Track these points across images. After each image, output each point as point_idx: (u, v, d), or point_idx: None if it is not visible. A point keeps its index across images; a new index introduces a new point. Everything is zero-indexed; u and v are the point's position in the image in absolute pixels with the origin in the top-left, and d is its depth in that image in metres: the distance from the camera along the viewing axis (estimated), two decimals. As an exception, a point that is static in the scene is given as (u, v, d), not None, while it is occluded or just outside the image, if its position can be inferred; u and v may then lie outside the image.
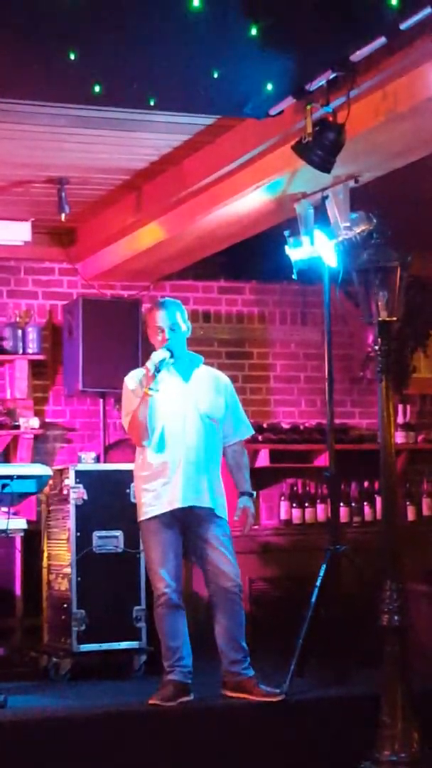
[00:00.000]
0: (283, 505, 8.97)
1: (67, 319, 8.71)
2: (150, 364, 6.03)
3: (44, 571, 7.25)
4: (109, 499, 7.05)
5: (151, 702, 5.87)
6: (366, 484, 8.97)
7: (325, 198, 6.75)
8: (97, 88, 5.29)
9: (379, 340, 5.67)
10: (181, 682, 5.96)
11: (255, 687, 5.97)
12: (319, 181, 6.50)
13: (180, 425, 6.06)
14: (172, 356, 6.07)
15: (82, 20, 5.01)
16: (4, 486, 6.48)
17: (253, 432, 6.54)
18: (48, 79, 5.33)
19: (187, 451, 6.04)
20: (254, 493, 6.34)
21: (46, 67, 5.22)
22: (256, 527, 6.43)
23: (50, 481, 7.00)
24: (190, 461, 6.03)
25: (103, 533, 6.99)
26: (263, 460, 8.83)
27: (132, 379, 6.22)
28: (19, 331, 8.63)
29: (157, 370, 6.01)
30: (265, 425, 8.91)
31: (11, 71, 5.24)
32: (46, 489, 7.11)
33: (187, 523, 6.08)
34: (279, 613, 6.28)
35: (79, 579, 6.89)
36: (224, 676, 6.06)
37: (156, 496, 6.04)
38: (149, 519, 6.07)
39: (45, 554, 7.27)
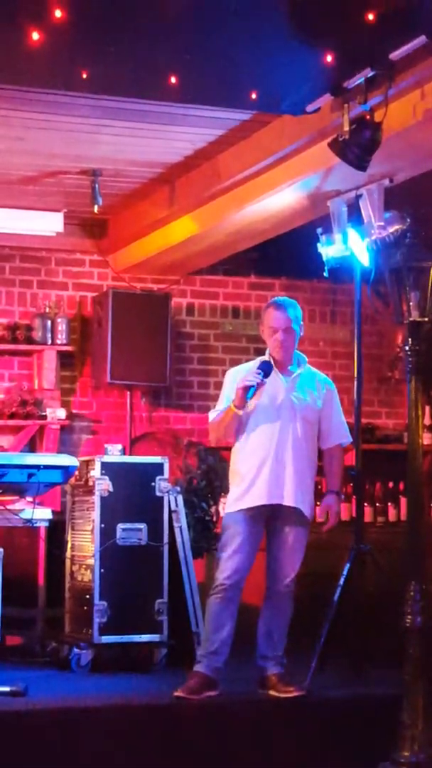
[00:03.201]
0: (308, 503, 8.96)
1: (96, 311, 8.73)
2: (241, 384, 5.96)
3: (67, 562, 7.26)
4: (134, 491, 7.05)
5: (176, 694, 5.88)
6: (390, 484, 8.94)
7: (359, 196, 6.75)
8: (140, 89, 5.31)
9: (410, 340, 5.65)
10: (207, 675, 5.97)
11: (277, 683, 6.00)
12: (354, 179, 6.49)
13: (273, 423, 6.05)
14: (267, 375, 5.99)
15: (121, 12, 5.04)
16: (30, 476, 6.49)
17: (351, 440, 6.41)
18: (86, 71, 5.33)
19: (278, 450, 6.04)
20: (342, 494, 6.30)
21: (85, 58, 5.23)
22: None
23: (76, 473, 7.00)
24: (279, 460, 6.03)
25: (128, 525, 6.99)
26: (288, 457, 8.81)
27: (231, 377, 6.21)
28: (49, 322, 8.66)
29: (246, 397, 5.96)
30: (291, 423, 8.89)
31: (51, 63, 5.24)
32: (72, 480, 7.12)
33: (271, 518, 6.10)
34: (301, 610, 6.27)
35: (102, 571, 6.90)
36: (257, 671, 6.12)
37: (244, 491, 6.06)
38: (237, 511, 6.07)
39: (69, 545, 7.28)
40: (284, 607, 6.11)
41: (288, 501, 6.03)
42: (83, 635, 6.95)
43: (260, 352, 9.06)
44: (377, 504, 8.92)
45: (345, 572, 6.47)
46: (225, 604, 6.01)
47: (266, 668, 6.06)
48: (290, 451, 6.05)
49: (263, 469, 6.02)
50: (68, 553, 7.27)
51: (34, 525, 7.12)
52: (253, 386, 5.95)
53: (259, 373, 5.97)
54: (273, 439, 6.04)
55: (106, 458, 7.12)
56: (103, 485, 6.98)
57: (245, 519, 6.04)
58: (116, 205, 8.28)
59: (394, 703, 5.48)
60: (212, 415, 6.19)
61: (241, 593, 6.06)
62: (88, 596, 6.95)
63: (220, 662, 6.01)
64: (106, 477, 6.99)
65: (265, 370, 6.01)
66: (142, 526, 7.03)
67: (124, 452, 7.52)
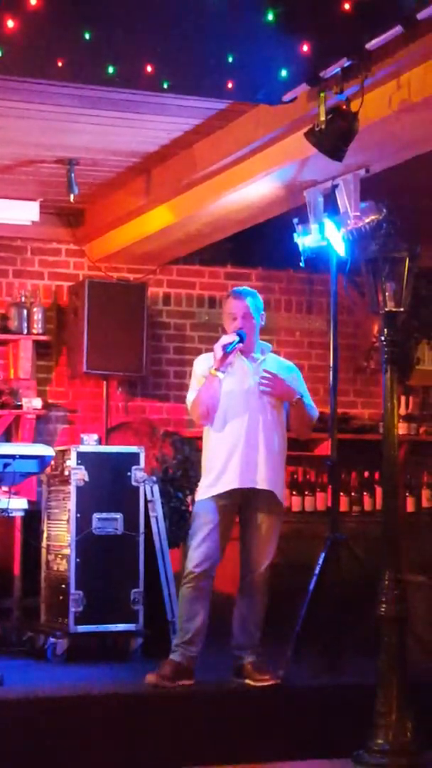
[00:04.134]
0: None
1: (72, 300, 8.71)
2: (218, 345, 6.04)
3: (43, 552, 7.26)
4: (110, 481, 7.05)
5: (148, 679, 5.91)
6: (366, 473, 8.99)
7: (335, 187, 6.75)
8: (110, 70, 5.28)
9: (385, 330, 5.66)
10: (181, 664, 5.99)
11: (253, 672, 6.01)
12: (330, 169, 6.50)
13: (243, 409, 6.08)
14: (241, 341, 6.07)
15: (98, 2, 5.02)
16: (6, 465, 6.49)
17: (317, 413, 6.37)
18: (62, 59, 5.31)
19: (249, 434, 6.06)
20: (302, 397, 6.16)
21: (61, 47, 5.21)
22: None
23: (52, 462, 7.00)
24: (251, 444, 6.05)
25: (103, 515, 6.99)
26: (264, 447, 8.83)
27: (201, 362, 6.25)
28: (24, 311, 8.63)
29: (226, 352, 6.02)
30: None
31: (26, 51, 5.21)
32: (48, 470, 7.11)
33: (244, 504, 6.11)
34: (277, 599, 6.28)
35: (78, 560, 6.89)
36: (232, 660, 6.13)
37: (216, 477, 6.07)
38: (208, 498, 6.08)
39: (44, 535, 7.27)
40: (259, 596, 6.13)
41: (262, 484, 6.05)
42: (59, 625, 6.95)
43: (236, 341, 9.11)
44: (353, 493, 8.97)
45: (320, 561, 6.49)
46: (197, 593, 6.02)
47: (242, 657, 6.08)
48: (261, 435, 6.07)
49: (235, 454, 6.03)
50: (44, 543, 7.27)
51: (10, 515, 7.11)
52: (231, 343, 5.99)
53: (235, 337, 6.03)
54: (243, 425, 6.06)
55: (82, 448, 7.11)
56: (78, 475, 6.97)
57: (217, 507, 6.05)
58: (92, 195, 8.26)
59: (369, 691, 5.51)
60: (190, 396, 6.19)
61: (212, 581, 6.07)
62: (63, 586, 6.95)
63: (195, 651, 6.02)
64: (82, 467, 6.99)
65: (241, 335, 6.07)
66: (118, 515, 7.03)
67: (100, 442, 7.52)
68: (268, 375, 6.10)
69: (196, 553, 6.04)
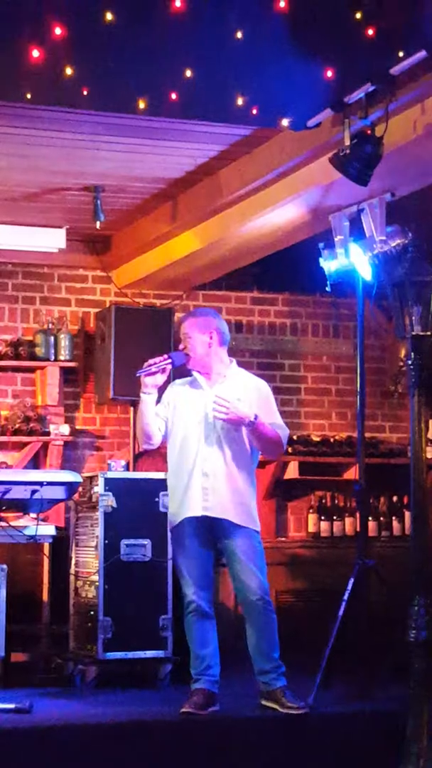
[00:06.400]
0: (312, 518, 8.97)
1: (99, 326, 8.73)
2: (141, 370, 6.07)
3: (71, 578, 7.25)
4: (138, 507, 7.05)
5: (183, 710, 5.86)
6: (395, 498, 8.95)
7: (360, 211, 6.76)
8: (141, 105, 5.33)
9: (412, 354, 5.65)
10: (209, 690, 5.97)
11: (282, 697, 5.95)
12: (355, 194, 6.50)
13: (197, 433, 6.04)
14: (172, 364, 6.08)
15: (120, 29, 5.06)
16: (33, 492, 6.50)
17: (288, 432, 6.23)
18: (87, 88, 5.34)
19: (204, 460, 6.01)
20: (255, 423, 5.96)
21: (86, 76, 5.24)
22: (283, 539, 6.26)
23: (79, 488, 7.01)
24: (206, 470, 6.00)
25: (131, 541, 6.99)
26: (293, 472, 8.83)
27: (168, 389, 6.28)
28: (52, 338, 8.66)
29: (147, 373, 6.05)
30: (295, 437, 8.88)
31: (51, 80, 5.26)
32: (76, 496, 7.12)
33: (214, 533, 6.06)
34: (305, 625, 6.27)
35: (106, 587, 6.89)
36: (257, 685, 6.06)
37: (179, 505, 6.07)
38: (175, 526, 6.11)
39: (73, 561, 7.27)
40: (265, 619, 6.02)
41: (215, 512, 5.98)
42: (88, 651, 6.95)
43: (264, 366, 9.14)
44: (381, 518, 8.92)
45: (349, 587, 6.45)
46: (202, 619, 6.04)
47: (269, 683, 5.99)
48: (216, 461, 6.00)
49: (191, 482, 6.01)
50: (72, 569, 7.26)
51: (38, 541, 7.11)
52: (154, 364, 6.02)
53: (160, 359, 6.06)
54: (197, 450, 6.02)
55: (110, 474, 7.12)
56: (106, 501, 6.97)
57: (187, 532, 6.04)
58: (118, 221, 8.29)
59: (399, 718, 5.47)
60: None
61: (212, 603, 6.07)
62: (92, 612, 6.94)
63: (216, 674, 6.03)
64: (110, 493, 6.99)
65: (174, 357, 6.09)
66: (146, 541, 7.02)
67: (127, 468, 7.53)
68: (219, 400, 5.96)
69: (189, 581, 6.05)
